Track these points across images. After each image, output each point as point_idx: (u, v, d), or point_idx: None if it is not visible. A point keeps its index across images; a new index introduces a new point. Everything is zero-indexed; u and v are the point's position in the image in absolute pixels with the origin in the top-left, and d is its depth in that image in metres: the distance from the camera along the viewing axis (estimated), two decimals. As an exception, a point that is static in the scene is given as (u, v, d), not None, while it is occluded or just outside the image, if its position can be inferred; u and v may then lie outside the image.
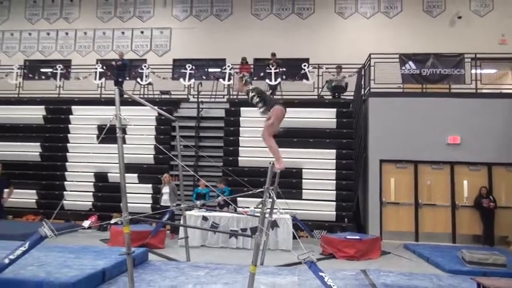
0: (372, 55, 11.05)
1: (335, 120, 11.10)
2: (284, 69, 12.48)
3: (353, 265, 7.13)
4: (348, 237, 8.06)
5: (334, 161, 10.70)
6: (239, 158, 10.98)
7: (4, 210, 9.36)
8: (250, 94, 5.38)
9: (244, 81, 5.50)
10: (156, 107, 6.86)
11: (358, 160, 10.60)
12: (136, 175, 11.04)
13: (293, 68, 12.74)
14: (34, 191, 11.44)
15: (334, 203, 10.34)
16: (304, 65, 12.08)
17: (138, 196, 10.56)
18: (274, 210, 6.66)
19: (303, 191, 10.51)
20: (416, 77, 11.00)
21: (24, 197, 11.10)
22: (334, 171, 10.60)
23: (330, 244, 8.00)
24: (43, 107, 12.39)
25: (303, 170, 10.68)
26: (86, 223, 10.11)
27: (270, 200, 5.32)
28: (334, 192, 10.45)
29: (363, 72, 11.54)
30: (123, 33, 15.82)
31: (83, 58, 15.50)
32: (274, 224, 8.10)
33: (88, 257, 5.85)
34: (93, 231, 10.04)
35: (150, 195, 10.97)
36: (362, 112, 11.06)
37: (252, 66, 13.66)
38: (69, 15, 16.20)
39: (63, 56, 15.79)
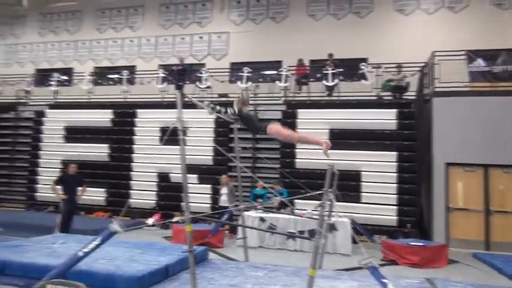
0: (436, 52, 10.50)
1: (395, 121, 10.69)
2: (341, 69, 12.25)
3: (417, 273, 6.82)
4: (411, 243, 7.73)
5: (395, 163, 10.30)
6: (296, 160, 10.95)
7: (77, 207, 10.11)
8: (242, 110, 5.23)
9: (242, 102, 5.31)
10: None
11: (421, 163, 10.12)
12: (196, 176, 11.40)
13: (351, 69, 12.46)
14: (103, 190, 12.24)
15: (396, 207, 9.97)
16: (363, 65, 11.77)
17: (197, 196, 10.90)
18: (333, 213, 6.56)
19: (362, 194, 10.24)
20: (486, 74, 10.29)
21: (94, 194, 11.89)
22: (395, 174, 10.21)
23: (392, 250, 7.72)
24: (111, 110, 13.21)
25: (362, 172, 10.41)
26: (150, 221, 10.68)
27: (329, 202, 5.24)
28: (396, 196, 10.06)
29: (425, 71, 11.01)
30: (183, 38, 16.42)
31: (146, 64, 16.29)
32: (332, 228, 7.98)
33: (152, 253, 6.13)
34: (156, 228, 10.52)
35: (209, 196, 11.28)
36: (425, 112, 10.56)
37: (308, 67, 13.57)
38: (133, 23, 17.12)
39: (128, 62, 16.71)
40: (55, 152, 13.12)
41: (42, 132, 13.58)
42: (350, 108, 11.11)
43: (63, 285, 2.29)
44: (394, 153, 10.37)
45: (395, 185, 10.15)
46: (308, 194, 4.79)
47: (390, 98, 11.66)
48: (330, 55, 12.34)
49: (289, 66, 12.62)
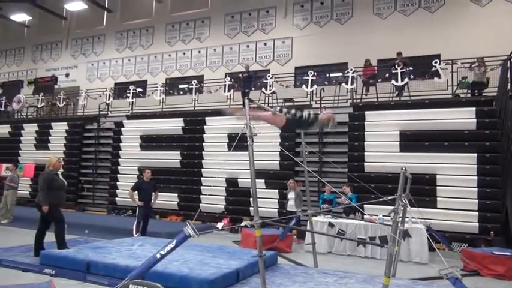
0: (521, 44, 9.60)
1: (475, 120, 9.89)
2: (411, 68, 11.67)
3: (503, 285, 6.25)
4: (496, 252, 7.08)
5: (475, 166, 9.53)
6: (365, 164, 10.60)
7: (152, 211, 10.70)
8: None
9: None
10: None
11: (506, 165, 9.27)
12: (263, 181, 11.51)
13: (422, 66, 11.82)
14: (176, 194, 12.83)
15: (477, 213, 9.22)
16: (435, 62, 11.10)
17: (265, 201, 11.00)
18: (406, 219, 6.24)
19: (438, 199, 9.62)
20: None
21: (168, 199, 12.52)
22: (476, 177, 9.44)
23: (473, 259, 7.14)
24: (182, 119, 13.85)
25: (437, 176, 9.79)
26: (220, 225, 10.90)
27: (402, 207, 5.00)
28: (476, 201, 9.31)
29: (508, 65, 10.09)
30: (247, 46, 16.77)
31: (213, 73, 16.88)
32: (406, 234, 7.59)
33: (223, 257, 6.29)
34: (225, 232, 10.78)
35: (276, 200, 11.33)
36: (509, 110, 9.67)
37: (375, 67, 13.12)
38: (201, 35, 17.84)
39: (196, 72, 17.44)
40: (132, 159, 14.05)
41: (121, 141, 14.61)
42: (422, 108, 10.51)
43: (144, 286, 2.43)
44: (474, 154, 9.61)
45: (475, 189, 9.39)
46: (380, 199, 4.59)
47: (468, 95, 10.86)
48: (399, 53, 11.82)
49: (356, 68, 12.29)
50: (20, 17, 21.22)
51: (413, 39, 13.28)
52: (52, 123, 16.54)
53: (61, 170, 7.37)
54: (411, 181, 5.64)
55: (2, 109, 18.92)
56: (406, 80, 11.33)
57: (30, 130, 16.83)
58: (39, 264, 6.11)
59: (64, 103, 17.42)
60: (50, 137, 16.22)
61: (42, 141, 16.26)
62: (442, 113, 10.21)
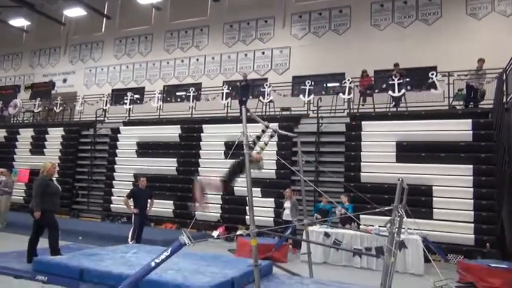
0: (516, 57, 9.70)
1: (471, 132, 9.94)
2: (408, 79, 11.75)
3: (499, 298, 6.21)
4: (492, 265, 7.07)
5: (471, 177, 9.56)
6: (361, 174, 10.61)
7: (147, 219, 10.62)
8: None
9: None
10: (276, 125, 7.06)
11: (502, 177, 9.30)
12: (259, 189, 11.48)
13: (419, 78, 11.92)
14: (171, 202, 12.76)
15: (472, 225, 9.23)
16: (432, 74, 11.19)
17: (260, 210, 10.94)
18: (402, 230, 6.22)
19: (434, 210, 9.63)
20: None
21: (163, 206, 12.43)
22: (472, 189, 9.47)
23: (469, 271, 7.12)
24: (179, 126, 13.83)
25: (433, 187, 9.81)
26: (215, 233, 10.92)
27: (399, 218, 4.99)
28: (472, 212, 9.32)
29: (504, 77, 10.19)
30: (246, 55, 16.85)
31: (211, 81, 16.92)
32: (402, 245, 7.56)
33: (218, 266, 6.22)
34: (220, 241, 10.71)
35: (272, 209, 11.29)
36: (504, 122, 9.74)
37: (372, 78, 13.21)
38: (199, 43, 17.92)
39: (194, 80, 17.46)
40: (128, 166, 13.98)
41: (117, 148, 14.55)
42: (419, 120, 10.57)
43: (137, 294, 2.40)
44: (470, 166, 9.64)
45: (471, 200, 9.41)
46: (377, 210, 4.58)
47: (463, 107, 10.94)
48: (396, 65, 11.91)
49: (353, 78, 12.37)
50: (19, 22, 21.22)
51: (410, 51, 13.40)
52: (48, 129, 16.47)
53: (56, 175, 7.31)
54: (407, 192, 5.63)
55: (-2, 114, 18.86)
56: (403, 91, 11.41)
57: (26, 135, 16.74)
58: (32, 271, 6.02)
59: (61, 108, 17.37)
60: (45, 142, 16.13)
61: (37, 146, 16.16)
62: (438, 124, 10.26)
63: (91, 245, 8.48)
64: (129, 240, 8.60)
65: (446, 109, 10.98)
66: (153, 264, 4.71)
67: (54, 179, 7.16)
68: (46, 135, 16.27)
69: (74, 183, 15.36)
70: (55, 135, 16.07)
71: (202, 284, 5.03)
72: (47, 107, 18.17)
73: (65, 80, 20.62)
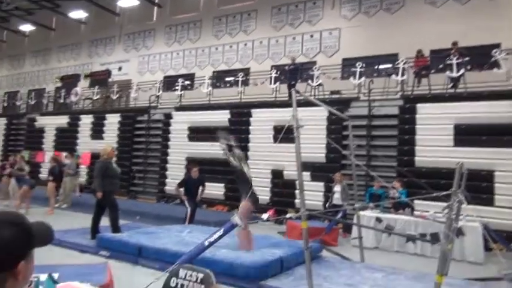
0: None
1: (539, 113, 9.22)
2: (467, 58, 11.03)
3: None
4: (561, 255, 6.61)
5: (538, 162, 8.91)
6: (416, 158, 10.22)
7: (198, 204, 10.96)
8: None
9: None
10: (329, 107, 6.98)
11: None
12: (309, 173, 11.43)
13: (480, 57, 11.15)
14: (222, 185, 13.07)
15: (539, 212, 8.63)
16: (495, 52, 10.42)
17: (310, 193, 10.89)
18: (460, 217, 5.96)
19: (496, 196, 9.10)
20: None
21: (214, 189, 12.76)
22: (539, 174, 8.83)
23: (535, 261, 6.70)
24: (228, 111, 14.03)
25: (495, 172, 9.25)
26: (265, 216, 11.06)
27: (457, 204, 4.79)
28: (539, 200, 8.71)
29: None
30: (294, 38, 16.61)
31: (259, 65, 16.89)
32: (460, 232, 7.25)
33: (268, 247, 6.34)
34: (270, 223, 10.84)
35: (321, 193, 11.22)
36: None
37: (428, 58, 12.55)
38: (247, 28, 17.90)
39: (243, 65, 17.53)
40: (181, 150, 14.46)
41: (170, 132, 15.08)
42: (479, 101, 9.94)
43: (193, 271, 2.51)
44: (536, 150, 8.98)
45: (537, 187, 8.79)
46: (433, 195, 4.42)
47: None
48: (455, 43, 11.21)
49: (407, 58, 11.82)
50: (77, 14, 22.35)
51: (470, 28, 12.52)
52: (106, 115, 17.39)
53: (114, 158, 7.72)
54: (467, 177, 5.37)
55: (62, 101, 20.14)
56: (462, 70, 10.75)
57: (86, 121, 17.80)
58: (95, 247, 6.49)
59: (117, 95, 18.23)
60: (104, 128, 17.07)
61: (97, 132, 17.15)
62: (500, 105, 9.59)
63: (148, 224, 8.94)
64: (185, 220, 8.88)
65: (510, 89, 10.21)
66: (206, 243, 4.89)
67: (113, 161, 7.58)
68: (104, 121, 17.20)
69: (131, 166, 16.16)
70: (112, 121, 16.94)
71: (253, 262, 5.17)
72: (104, 95, 19.13)
73: (120, 68, 21.52)
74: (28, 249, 1.07)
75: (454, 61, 10.76)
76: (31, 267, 1.09)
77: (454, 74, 10.80)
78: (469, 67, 10.81)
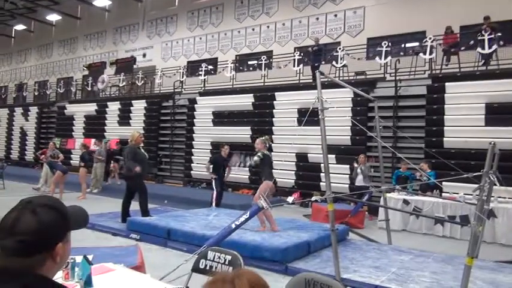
0: None
1: None
2: (500, 34, 10.53)
3: None
4: None
5: None
6: (444, 139, 9.96)
7: (225, 184, 11.10)
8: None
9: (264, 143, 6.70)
10: (354, 89, 6.86)
11: None
12: (334, 156, 11.34)
13: (514, 32, 10.63)
14: (247, 169, 13.13)
15: None
16: (530, 26, 9.91)
17: (335, 176, 10.82)
18: (492, 198, 5.80)
19: (529, 177, 8.76)
20: None
21: (240, 173, 12.85)
22: None
23: None
24: (252, 95, 14.00)
25: (528, 152, 8.89)
26: (290, 199, 11.04)
27: (488, 185, 4.66)
28: None
29: None
30: (317, 19, 16.28)
31: (282, 48, 16.70)
32: (491, 214, 7.08)
33: (294, 229, 6.39)
34: (295, 206, 10.89)
35: (347, 176, 11.11)
36: None
37: (458, 35, 12.06)
38: (269, 9, 17.66)
39: (265, 48, 17.37)
40: (205, 134, 14.60)
41: (195, 117, 15.22)
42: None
43: (221, 253, 2.57)
44: None
45: None
46: (464, 176, 4.31)
47: None
48: (486, 18, 10.71)
49: (435, 36, 11.40)
50: (101, 2, 22.63)
51: (503, 2, 11.91)
52: (132, 101, 17.70)
53: (141, 144, 7.88)
54: (499, 158, 5.20)
55: (89, 89, 20.60)
56: (495, 47, 10.29)
57: (113, 108, 18.18)
58: (126, 230, 6.71)
59: (142, 82, 18.49)
60: (131, 114, 17.40)
61: (124, 118, 17.50)
62: (537, 82, 9.17)
63: (175, 208, 9.15)
64: (212, 204, 9.07)
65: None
66: (233, 226, 4.97)
67: (141, 147, 7.75)
68: (131, 107, 17.52)
69: (158, 152, 16.47)
70: (139, 107, 17.23)
71: (280, 245, 5.23)
72: (130, 81, 19.43)
73: (144, 55, 21.75)
74: (65, 232, 1.12)
75: (486, 37, 10.30)
76: (68, 249, 1.14)
77: (486, 51, 10.36)
78: (501, 43, 10.32)
